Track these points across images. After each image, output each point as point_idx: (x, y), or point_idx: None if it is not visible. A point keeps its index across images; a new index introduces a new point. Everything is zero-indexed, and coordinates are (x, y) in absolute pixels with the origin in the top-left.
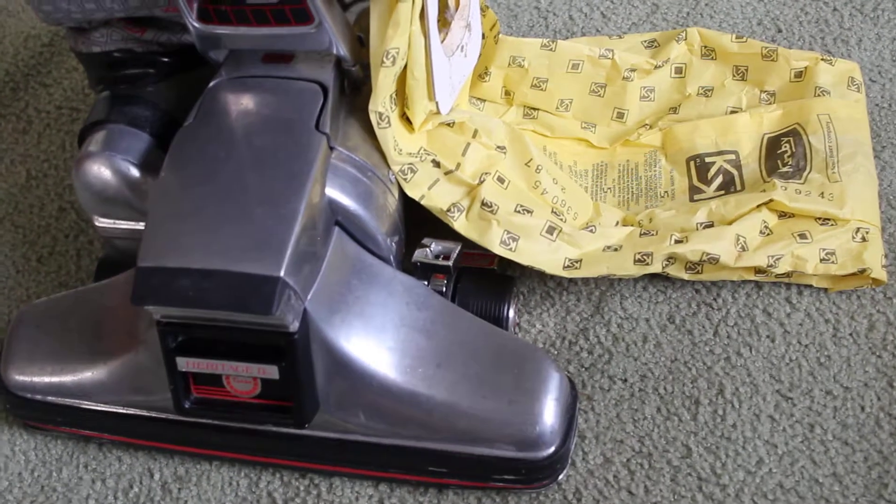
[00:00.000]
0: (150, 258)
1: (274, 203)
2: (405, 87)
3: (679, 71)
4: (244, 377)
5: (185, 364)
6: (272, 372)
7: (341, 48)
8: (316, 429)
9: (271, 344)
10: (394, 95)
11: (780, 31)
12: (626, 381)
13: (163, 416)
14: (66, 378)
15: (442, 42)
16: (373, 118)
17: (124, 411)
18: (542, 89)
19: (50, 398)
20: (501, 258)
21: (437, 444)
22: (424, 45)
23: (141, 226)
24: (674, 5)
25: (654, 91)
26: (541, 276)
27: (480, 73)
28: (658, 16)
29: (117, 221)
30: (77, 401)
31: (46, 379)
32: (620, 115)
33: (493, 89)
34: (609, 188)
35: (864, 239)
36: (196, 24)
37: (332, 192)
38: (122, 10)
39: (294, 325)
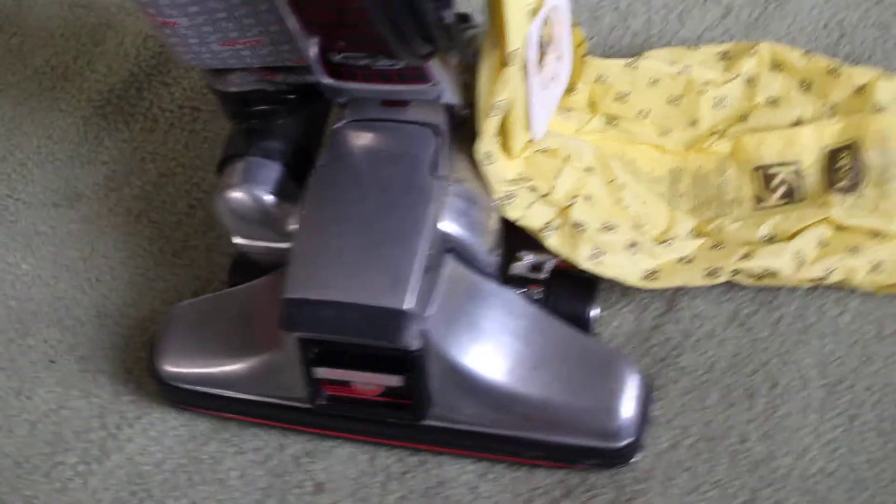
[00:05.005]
0: (295, 289)
1: (398, 240)
2: (506, 122)
3: (749, 81)
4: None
5: (320, 372)
6: (396, 381)
7: (454, 98)
8: (429, 420)
9: (397, 359)
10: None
11: (843, 34)
12: (693, 373)
13: (296, 404)
14: (213, 370)
15: (539, 75)
16: (479, 157)
17: (262, 399)
18: (624, 101)
19: (198, 387)
20: None
21: (531, 433)
22: (525, 88)
23: (273, 244)
24: (745, 8)
25: (727, 99)
26: None
27: (568, 89)
28: (731, 18)
29: (254, 241)
30: (222, 390)
31: (196, 371)
32: (694, 122)
33: (579, 101)
34: (684, 193)
35: None
36: (328, 80)
37: (445, 224)
38: (259, 62)
39: (416, 345)
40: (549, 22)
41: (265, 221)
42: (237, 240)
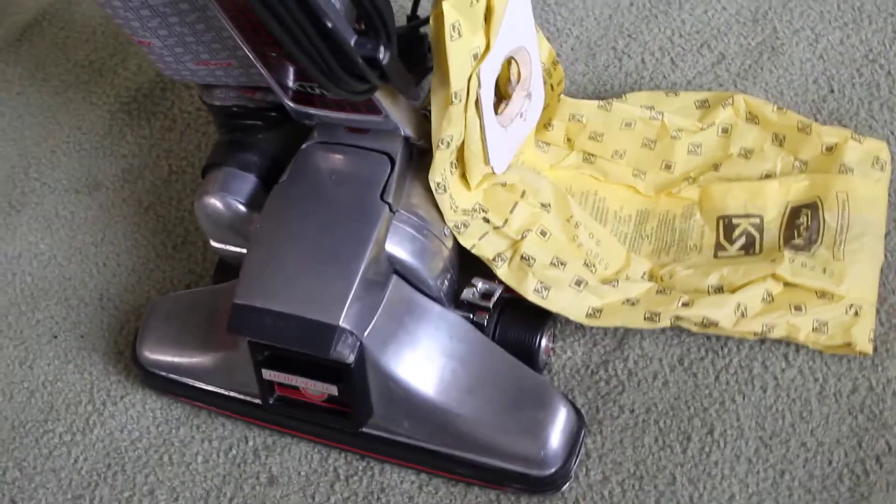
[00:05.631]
0: (244, 297)
1: (341, 261)
2: (464, 155)
3: (725, 131)
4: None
5: (269, 374)
6: (333, 390)
7: (406, 130)
8: (370, 428)
9: (334, 369)
10: (454, 162)
11: (832, 90)
12: (633, 411)
13: (252, 400)
14: (184, 361)
15: (502, 113)
16: (432, 186)
17: (226, 392)
18: (598, 141)
19: (171, 375)
20: None
21: (463, 452)
22: (480, 126)
23: (244, 250)
24: (738, 56)
25: (701, 147)
26: None
27: (545, 124)
28: (722, 66)
29: (227, 245)
30: (191, 380)
31: (169, 359)
32: (668, 167)
33: (556, 137)
34: (647, 235)
35: (856, 314)
36: (291, 104)
37: (392, 248)
38: (234, 82)
39: (350, 358)
40: (515, 62)
41: (237, 229)
42: (213, 243)
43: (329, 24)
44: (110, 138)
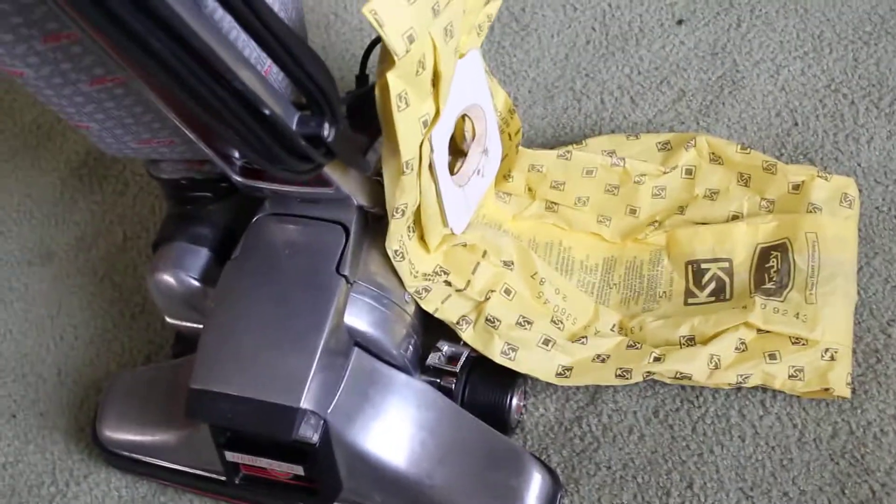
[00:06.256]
0: (199, 381)
1: (297, 339)
2: (421, 219)
3: (689, 172)
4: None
5: (232, 456)
6: (299, 469)
7: (359, 199)
8: (341, 502)
9: (299, 450)
10: (411, 226)
11: (796, 123)
12: (609, 468)
13: (222, 477)
14: (146, 439)
15: (458, 172)
16: (389, 254)
17: (190, 471)
18: (560, 189)
19: (134, 454)
20: None
21: None
22: (435, 190)
23: (200, 325)
24: (699, 92)
25: (666, 189)
26: None
27: (505, 175)
28: (683, 103)
29: (182, 321)
30: (154, 459)
31: (130, 438)
32: (633, 211)
33: (517, 187)
34: (615, 284)
35: (832, 358)
36: (238, 179)
37: (351, 321)
38: (178, 157)
39: (314, 438)
40: (469, 118)
41: (192, 304)
42: (169, 319)
43: (267, 112)
44: (62, 205)
